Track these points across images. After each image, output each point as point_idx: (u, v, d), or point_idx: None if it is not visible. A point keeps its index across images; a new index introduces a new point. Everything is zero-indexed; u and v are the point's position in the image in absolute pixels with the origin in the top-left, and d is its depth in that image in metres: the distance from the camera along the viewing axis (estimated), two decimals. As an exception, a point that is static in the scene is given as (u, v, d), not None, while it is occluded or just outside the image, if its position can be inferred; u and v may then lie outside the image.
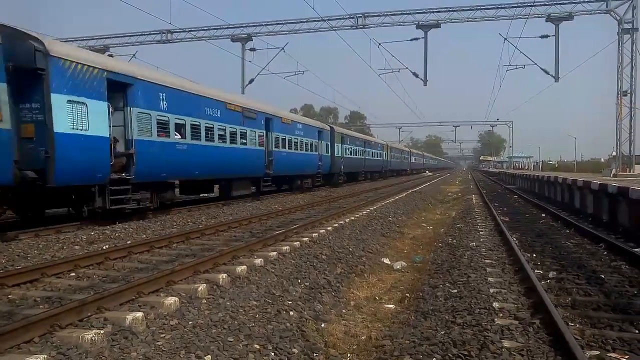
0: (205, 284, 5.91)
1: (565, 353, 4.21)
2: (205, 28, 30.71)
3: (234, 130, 17.86)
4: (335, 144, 31.41)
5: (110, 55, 14.69)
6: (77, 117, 10.60)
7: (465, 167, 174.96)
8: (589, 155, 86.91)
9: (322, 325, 5.89)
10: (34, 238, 9.64)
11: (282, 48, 30.33)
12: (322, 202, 18.67)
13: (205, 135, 15.82)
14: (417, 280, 8.33)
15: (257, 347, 4.73)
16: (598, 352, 4.45)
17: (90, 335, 4.13)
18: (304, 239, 9.62)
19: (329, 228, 11.21)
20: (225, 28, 30.54)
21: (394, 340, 5.22)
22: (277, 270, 7.33)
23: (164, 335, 4.51)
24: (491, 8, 26.73)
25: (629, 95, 25.62)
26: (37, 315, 4.43)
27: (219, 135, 16.65)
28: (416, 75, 28.97)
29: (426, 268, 9.08)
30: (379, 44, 28.82)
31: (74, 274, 6.85)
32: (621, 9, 25.32)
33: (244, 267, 6.91)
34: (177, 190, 16.41)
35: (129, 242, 9.13)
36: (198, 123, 15.41)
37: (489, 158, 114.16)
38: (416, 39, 27.82)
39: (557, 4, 26.32)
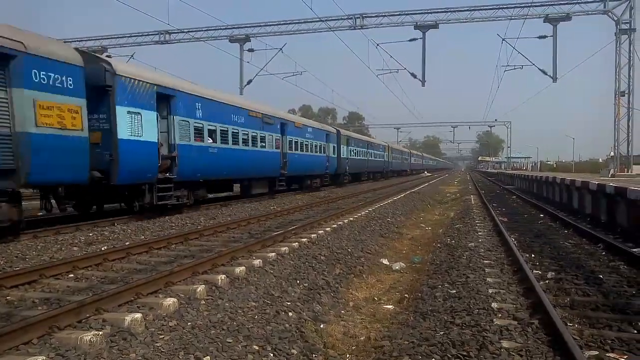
0: (204, 285, 5.91)
1: (564, 353, 4.21)
2: (204, 29, 30.63)
3: (255, 134, 19.47)
4: (341, 146, 32.59)
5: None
6: (134, 125, 12.15)
7: (464, 167, 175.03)
8: (587, 155, 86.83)
9: (321, 326, 5.89)
10: (32, 239, 9.62)
11: (280, 49, 30.35)
12: (321, 203, 18.68)
13: (232, 140, 17.42)
14: (415, 280, 8.33)
15: (256, 348, 4.74)
16: (597, 352, 4.45)
17: (89, 337, 4.13)
18: (303, 239, 9.60)
19: (327, 229, 11.21)
20: (224, 29, 30.48)
21: (392, 340, 5.22)
22: (276, 271, 7.32)
23: (162, 336, 4.51)
24: (489, 9, 26.74)
25: (626, 95, 25.63)
26: (36, 316, 4.42)
27: (242, 139, 18.28)
28: (414, 76, 28.95)
29: (425, 268, 9.08)
30: (377, 45, 28.76)
31: (72, 275, 6.84)
32: (619, 9, 25.39)
33: (242, 268, 6.91)
34: None
35: (127, 243, 9.12)
36: (226, 129, 17.04)
37: (488, 158, 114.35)
38: (414, 39, 27.76)
39: (555, 4, 26.33)
